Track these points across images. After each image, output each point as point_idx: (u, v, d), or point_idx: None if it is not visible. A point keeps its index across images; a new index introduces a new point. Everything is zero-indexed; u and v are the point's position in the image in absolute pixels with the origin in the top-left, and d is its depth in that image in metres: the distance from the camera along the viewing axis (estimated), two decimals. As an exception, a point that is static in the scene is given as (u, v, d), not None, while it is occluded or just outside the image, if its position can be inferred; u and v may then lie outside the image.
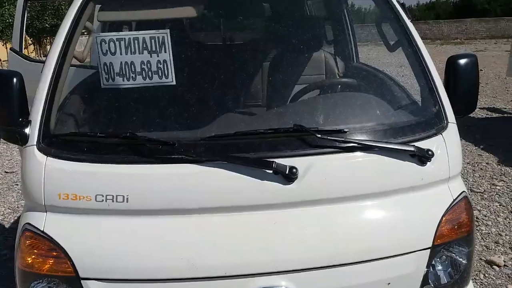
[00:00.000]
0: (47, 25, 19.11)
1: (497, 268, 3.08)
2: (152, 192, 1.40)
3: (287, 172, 1.40)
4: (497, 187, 4.48)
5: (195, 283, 1.37)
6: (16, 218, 4.20)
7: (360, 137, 1.53)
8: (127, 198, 1.39)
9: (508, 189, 4.45)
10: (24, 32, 3.06)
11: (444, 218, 1.55)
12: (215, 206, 1.42)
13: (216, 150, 1.44)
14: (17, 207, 4.49)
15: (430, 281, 1.56)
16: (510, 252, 3.30)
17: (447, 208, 1.57)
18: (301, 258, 1.41)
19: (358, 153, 1.50)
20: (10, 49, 3.09)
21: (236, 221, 1.42)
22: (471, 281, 1.72)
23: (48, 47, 20.60)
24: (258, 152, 1.45)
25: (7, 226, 4.09)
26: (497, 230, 3.62)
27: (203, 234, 1.40)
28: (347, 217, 1.48)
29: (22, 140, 1.51)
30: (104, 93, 1.70)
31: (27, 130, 1.51)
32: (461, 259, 1.60)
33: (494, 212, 3.94)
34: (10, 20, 17.03)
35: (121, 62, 1.64)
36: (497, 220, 3.79)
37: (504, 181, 4.64)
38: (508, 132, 6.37)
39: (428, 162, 1.54)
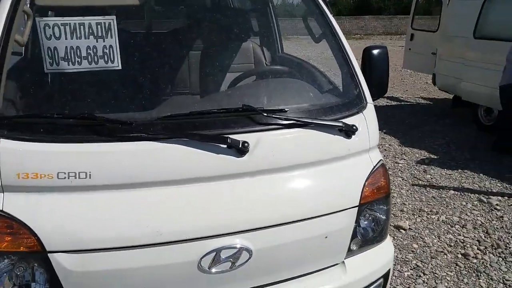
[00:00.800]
0: None
1: (403, 231, 3.58)
2: (114, 168, 1.48)
3: (240, 146, 1.57)
4: (399, 164, 5.10)
5: (159, 247, 1.48)
6: None
7: (298, 116, 1.76)
8: (90, 174, 1.46)
9: (408, 166, 5.09)
10: None
11: (367, 182, 1.84)
12: (174, 178, 1.55)
13: (174, 128, 1.57)
14: None
15: (358, 235, 1.85)
16: (413, 218, 3.84)
17: (369, 173, 1.86)
18: (253, 219, 1.59)
19: (297, 129, 1.73)
20: None
21: (194, 191, 1.56)
22: (388, 235, 2.06)
23: None
24: (212, 130, 1.61)
25: None
26: (402, 200, 4.17)
27: (164, 204, 1.52)
28: (290, 183, 1.70)
29: None
30: (50, 77, 1.72)
31: None
32: (381, 216, 1.92)
33: (398, 186, 4.50)
34: None
35: (66, 47, 1.67)
36: (401, 192, 4.36)
37: (404, 159, 5.29)
38: (405, 118, 7.21)
39: (353, 136, 1.82)
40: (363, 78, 2.04)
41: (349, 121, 1.83)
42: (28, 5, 1.87)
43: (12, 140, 1.46)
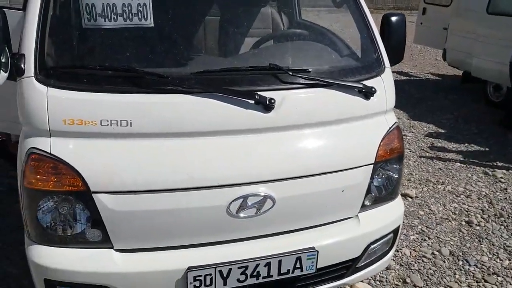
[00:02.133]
0: None
1: (410, 199, 3.72)
2: (153, 118, 1.61)
3: (267, 102, 1.68)
4: (407, 137, 5.20)
5: (192, 192, 1.62)
6: None
7: (320, 76, 1.85)
8: (131, 123, 1.58)
9: (416, 139, 5.20)
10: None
11: (382, 142, 1.96)
12: (206, 130, 1.67)
13: (206, 83, 1.68)
14: None
15: (371, 191, 1.98)
16: (419, 187, 3.97)
17: (385, 134, 1.97)
18: (277, 171, 1.72)
19: (320, 89, 1.83)
20: None
21: (224, 142, 1.69)
22: (399, 195, 2.19)
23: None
24: (241, 86, 1.71)
25: None
26: (409, 170, 4.30)
27: (198, 152, 1.65)
28: (312, 139, 1.82)
29: (17, 73, 1.61)
30: (90, 31, 1.81)
31: (21, 63, 1.61)
32: (393, 175, 2.04)
33: (406, 157, 4.61)
34: None
35: (103, 4, 1.77)
36: (409, 163, 4.47)
37: (413, 132, 5.39)
38: (414, 93, 7.25)
39: (372, 97, 1.92)
40: (382, 43, 2.12)
41: (368, 83, 1.93)
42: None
43: (59, 89, 1.58)
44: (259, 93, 1.69)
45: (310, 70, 1.84)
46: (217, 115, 1.66)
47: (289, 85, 1.78)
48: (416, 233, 3.23)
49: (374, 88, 1.92)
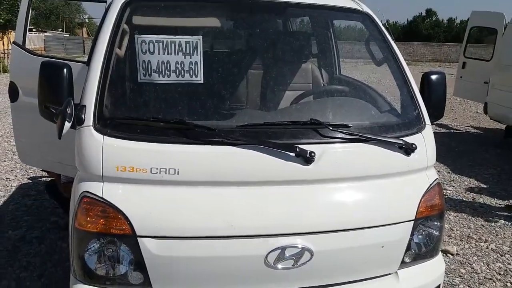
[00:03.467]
0: (1, 20, 18.01)
1: (451, 256, 3.58)
2: (199, 167, 1.69)
3: (307, 155, 1.74)
4: (448, 191, 5.07)
5: (232, 240, 1.67)
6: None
7: (360, 131, 1.90)
8: (178, 171, 1.67)
9: (457, 193, 5.05)
10: (27, 26, 3.19)
11: (423, 198, 1.95)
12: (248, 180, 1.73)
13: (250, 136, 1.76)
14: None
15: (411, 248, 1.95)
16: (461, 244, 3.83)
17: (426, 190, 1.97)
18: (316, 223, 1.74)
19: (360, 144, 1.87)
20: (13, 42, 3.19)
21: (265, 192, 1.74)
22: (440, 252, 2.14)
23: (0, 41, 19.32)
24: (282, 139, 1.79)
25: None
26: (449, 226, 4.16)
27: (239, 201, 1.71)
28: (352, 192, 1.85)
29: (78, 122, 1.75)
30: (145, 86, 1.97)
31: (82, 114, 1.76)
32: (434, 232, 2.01)
33: (446, 212, 4.48)
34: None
35: (158, 61, 1.93)
36: (449, 218, 4.34)
37: (453, 187, 5.25)
38: (455, 146, 7.12)
39: (412, 154, 1.94)
40: (421, 100, 2.16)
41: (408, 139, 1.95)
42: (126, 23, 2.15)
43: (114, 138, 1.71)
44: (300, 146, 1.76)
45: (350, 125, 1.89)
46: (259, 166, 1.73)
47: (329, 139, 1.84)
48: (458, 293, 3.09)
49: (415, 145, 1.94)
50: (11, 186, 4.84)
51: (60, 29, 43.49)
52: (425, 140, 2.02)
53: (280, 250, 1.70)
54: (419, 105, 2.14)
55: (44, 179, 4.84)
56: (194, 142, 1.71)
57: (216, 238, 1.67)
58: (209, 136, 1.72)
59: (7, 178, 5.06)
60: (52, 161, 3.07)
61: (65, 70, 1.81)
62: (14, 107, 3.09)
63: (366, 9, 2.48)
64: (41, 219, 3.98)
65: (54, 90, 1.80)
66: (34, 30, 33.65)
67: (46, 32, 35.79)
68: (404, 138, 1.95)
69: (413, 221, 1.90)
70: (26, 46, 3.13)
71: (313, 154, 1.75)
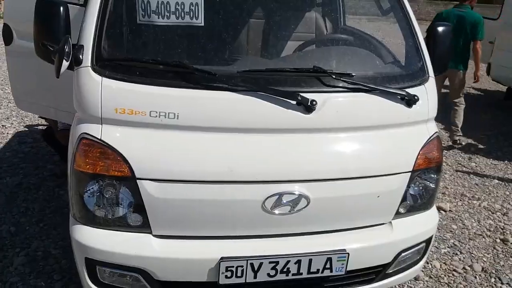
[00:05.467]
0: None
1: (443, 212, 3.65)
2: (199, 112, 1.67)
3: (308, 104, 1.71)
4: (445, 150, 5.09)
5: (231, 185, 1.68)
6: None
7: (363, 81, 1.87)
8: (178, 115, 1.65)
9: (454, 153, 5.09)
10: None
11: (421, 151, 1.95)
12: (247, 127, 1.72)
13: (251, 82, 1.73)
14: None
15: (407, 199, 1.97)
16: (454, 201, 3.89)
17: (425, 143, 1.97)
18: (314, 171, 1.75)
19: (362, 94, 1.85)
20: None
21: (264, 140, 1.73)
22: (434, 205, 2.17)
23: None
24: (284, 86, 1.75)
25: None
26: (444, 184, 4.21)
27: (239, 148, 1.70)
28: (351, 142, 1.84)
29: (75, 62, 1.71)
30: (144, 27, 1.90)
31: (79, 54, 1.71)
32: (430, 184, 2.02)
33: (442, 170, 4.52)
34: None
35: (157, 1, 1.86)
36: (445, 176, 4.39)
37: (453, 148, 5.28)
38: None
39: (414, 105, 1.92)
40: (427, 52, 2.12)
41: (411, 91, 1.92)
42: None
43: (113, 80, 1.67)
44: (301, 94, 1.73)
45: (353, 74, 1.86)
46: (260, 113, 1.71)
47: (332, 88, 1.81)
48: (448, 247, 3.17)
49: (417, 96, 1.91)
50: (7, 133, 4.82)
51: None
52: (427, 92, 1.99)
53: (277, 196, 1.71)
54: (423, 57, 2.09)
55: (40, 127, 4.82)
56: (194, 86, 1.68)
57: (215, 183, 1.67)
58: (209, 80, 1.69)
59: (3, 126, 5.02)
60: (47, 107, 3.04)
61: (61, 7, 1.75)
62: (9, 51, 3.02)
63: None
64: (38, 167, 3.99)
65: (51, 28, 1.74)
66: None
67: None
68: (407, 90, 1.92)
69: (410, 173, 1.91)
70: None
71: (314, 102, 1.72)
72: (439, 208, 3.67)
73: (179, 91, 1.67)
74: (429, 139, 1.99)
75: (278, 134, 1.74)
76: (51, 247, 2.85)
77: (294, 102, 1.73)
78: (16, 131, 4.91)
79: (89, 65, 1.70)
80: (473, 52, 4.90)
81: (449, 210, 3.69)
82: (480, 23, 4.89)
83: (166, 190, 1.65)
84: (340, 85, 1.82)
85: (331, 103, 1.78)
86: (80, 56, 1.70)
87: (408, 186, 1.94)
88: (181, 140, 1.67)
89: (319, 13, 3.03)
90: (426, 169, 1.98)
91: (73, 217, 1.80)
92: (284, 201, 1.72)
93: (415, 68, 2.07)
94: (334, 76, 1.80)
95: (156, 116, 1.65)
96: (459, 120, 5.10)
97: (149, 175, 1.64)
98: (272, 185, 1.71)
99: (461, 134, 5.13)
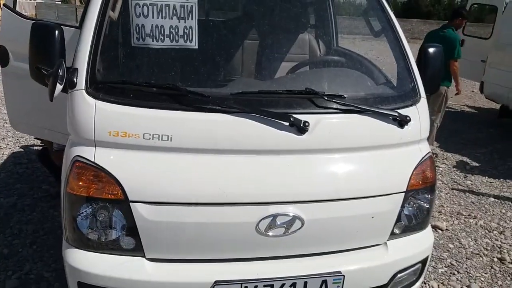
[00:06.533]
0: None
1: (440, 232, 3.64)
2: (192, 134, 1.68)
3: (301, 125, 1.72)
4: (440, 168, 5.11)
5: (225, 207, 1.67)
6: None
7: (355, 102, 1.89)
8: (171, 137, 1.66)
9: (449, 171, 5.10)
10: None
11: (415, 171, 1.95)
12: (241, 148, 1.72)
13: (244, 104, 1.74)
14: None
15: (401, 219, 1.97)
16: (450, 220, 3.89)
17: (418, 163, 1.97)
18: (308, 192, 1.75)
19: (354, 115, 1.86)
20: (3, 5, 3.10)
21: (257, 161, 1.73)
22: (429, 225, 2.16)
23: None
24: (277, 108, 1.77)
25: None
26: (440, 202, 4.21)
27: (232, 169, 1.70)
28: (344, 163, 1.85)
29: (69, 85, 1.72)
30: (138, 50, 1.92)
31: (74, 77, 1.72)
32: (425, 204, 2.02)
33: (438, 188, 4.53)
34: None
35: (152, 25, 1.88)
36: (440, 195, 4.39)
37: (446, 164, 5.30)
38: (449, 124, 7.11)
39: (406, 126, 1.94)
40: (418, 73, 2.14)
41: (403, 112, 1.94)
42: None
43: (107, 102, 1.68)
44: (294, 115, 1.74)
45: (345, 96, 1.88)
46: (253, 135, 1.71)
47: (324, 109, 1.82)
48: (445, 266, 3.16)
49: (409, 117, 1.93)
50: (3, 154, 4.81)
51: (52, -4, 42.35)
52: (419, 113, 2.01)
53: (271, 218, 1.70)
54: (415, 77, 2.12)
55: (36, 147, 4.81)
56: (187, 108, 1.69)
57: (208, 205, 1.67)
58: (202, 103, 1.70)
59: (-2, 146, 5.02)
60: (43, 128, 3.04)
61: (56, 31, 1.77)
62: (5, 72, 3.03)
63: None
64: (33, 187, 3.97)
65: (46, 52, 1.76)
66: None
67: (37, -2, 34.85)
68: (399, 110, 1.94)
69: (404, 193, 1.91)
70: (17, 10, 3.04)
71: (307, 124, 1.73)
72: (435, 227, 3.67)
73: (173, 113, 1.68)
74: (422, 159, 2.00)
75: (272, 155, 1.75)
76: (44, 270, 2.81)
77: (287, 124, 1.74)
78: (12, 151, 4.91)
79: (83, 88, 1.71)
80: (450, 71, 5.04)
81: (446, 229, 3.68)
82: (454, 43, 5.05)
83: (159, 212, 1.64)
84: (333, 106, 1.83)
85: (324, 124, 1.79)
86: (74, 79, 1.71)
87: (402, 207, 1.94)
88: (174, 162, 1.67)
89: (312, 34, 3.08)
90: (420, 189, 1.98)
91: (65, 240, 1.78)
92: (278, 223, 1.72)
93: (407, 89, 2.09)
94: (326, 98, 1.82)
95: (150, 138, 1.65)
96: (430, 136, 5.18)
97: (142, 197, 1.63)
98: (266, 206, 1.71)
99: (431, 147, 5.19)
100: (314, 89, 1.83)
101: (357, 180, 1.84)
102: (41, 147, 4.03)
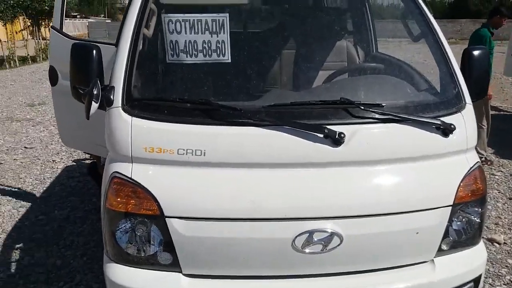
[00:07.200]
0: (46, 7, 18.43)
1: (497, 245, 3.39)
2: (225, 148, 1.67)
3: (336, 137, 1.67)
4: (496, 176, 4.80)
5: (258, 223, 1.64)
6: (44, 188, 4.47)
7: (394, 111, 1.80)
8: (205, 152, 1.66)
9: (506, 179, 4.77)
10: (64, 11, 3.25)
11: (462, 183, 1.83)
12: (275, 162, 1.69)
13: (276, 117, 1.71)
14: (43, 178, 4.75)
15: (449, 235, 1.84)
16: (509, 232, 3.62)
17: (465, 174, 1.85)
18: (347, 207, 1.68)
19: (394, 124, 1.78)
20: (51, 27, 3.27)
21: (291, 175, 1.69)
22: (481, 240, 2.01)
23: (45, 29, 19.75)
24: (310, 120, 1.72)
25: (37, 195, 4.35)
26: (497, 213, 3.94)
27: (266, 184, 1.67)
28: (384, 176, 1.76)
29: (107, 103, 1.77)
30: (172, 66, 1.96)
31: (111, 95, 1.77)
32: (475, 218, 1.89)
33: (494, 198, 4.25)
34: (12, 1, 16.60)
35: (185, 41, 1.91)
36: (497, 205, 4.11)
37: (502, 172, 4.96)
38: (505, 129, 6.70)
39: (450, 135, 1.82)
40: (462, 78, 2.02)
41: (447, 120, 1.83)
42: (154, 3, 2.13)
43: (142, 119, 1.71)
44: (328, 127, 1.69)
45: (383, 104, 1.80)
46: (286, 148, 1.68)
47: (361, 119, 1.75)
48: (504, 284, 2.93)
49: (453, 125, 1.82)
50: (57, 168, 5.07)
51: (102, 15, 44.57)
52: (465, 121, 1.89)
53: (308, 234, 1.65)
54: (459, 82, 2.00)
55: (87, 161, 5.03)
56: (220, 123, 1.69)
57: (242, 220, 1.64)
58: (233, 116, 1.69)
59: (53, 161, 5.30)
60: (90, 143, 3.16)
61: (94, 51, 1.83)
62: (55, 91, 3.19)
63: None
64: (84, 200, 4.14)
65: (83, 71, 1.83)
66: (78, 16, 34.62)
67: (89, 18, 36.86)
68: (442, 118, 1.83)
69: (451, 207, 1.80)
70: (64, 31, 3.20)
71: (342, 135, 1.67)
72: (492, 241, 3.43)
73: (205, 128, 1.68)
74: (469, 170, 1.87)
75: (307, 168, 1.70)
76: (93, 281, 2.91)
77: (321, 135, 1.69)
78: (65, 165, 5.16)
79: (120, 105, 1.75)
80: None
81: (504, 243, 3.43)
82: (481, 42, 4.85)
83: (193, 228, 1.64)
84: (370, 116, 1.76)
85: (361, 135, 1.72)
86: (111, 97, 1.76)
87: (450, 221, 1.81)
88: (208, 177, 1.67)
89: (350, 41, 3.00)
90: (469, 202, 1.85)
91: (106, 255, 1.82)
92: (315, 239, 1.66)
93: (450, 95, 1.97)
94: (362, 107, 1.75)
95: (184, 153, 1.66)
96: (480, 142, 4.87)
97: (177, 213, 1.64)
98: (303, 222, 1.66)
99: (484, 154, 4.98)
100: (349, 99, 1.77)
101: (398, 193, 1.74)
102: (90, 161, 4.21)
